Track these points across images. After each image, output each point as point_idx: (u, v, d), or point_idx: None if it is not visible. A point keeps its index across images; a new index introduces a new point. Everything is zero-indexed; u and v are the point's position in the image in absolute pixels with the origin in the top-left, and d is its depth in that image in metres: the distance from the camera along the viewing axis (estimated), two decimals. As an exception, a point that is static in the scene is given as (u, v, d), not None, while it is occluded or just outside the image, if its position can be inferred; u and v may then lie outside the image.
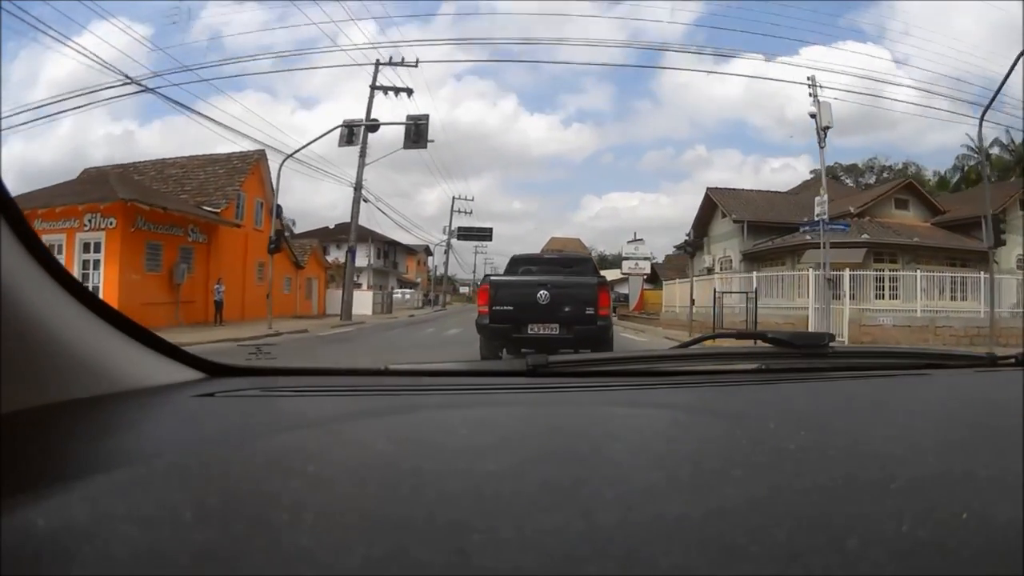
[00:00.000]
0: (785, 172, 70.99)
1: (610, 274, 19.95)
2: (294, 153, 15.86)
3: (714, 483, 0.43)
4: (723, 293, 14.16)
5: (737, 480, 0.43)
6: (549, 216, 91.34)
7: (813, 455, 0.51)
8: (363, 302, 24.62)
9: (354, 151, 19.85)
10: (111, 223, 13.46)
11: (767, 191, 26.12)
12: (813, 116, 13.19)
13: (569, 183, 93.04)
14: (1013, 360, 1.05)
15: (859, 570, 0.32)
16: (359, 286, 29.95)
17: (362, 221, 22.12)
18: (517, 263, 8.06)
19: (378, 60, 20.38)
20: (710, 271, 21.82)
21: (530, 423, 0.65)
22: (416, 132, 18.32)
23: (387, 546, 0.33)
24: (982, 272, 13.61)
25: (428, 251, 48.87)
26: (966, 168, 32.25)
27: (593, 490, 0.42)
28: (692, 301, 14.75)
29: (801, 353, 1.04)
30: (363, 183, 20.55)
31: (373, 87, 20.15)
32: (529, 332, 6.45)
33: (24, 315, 0.57)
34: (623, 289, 26.75)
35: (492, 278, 7.22)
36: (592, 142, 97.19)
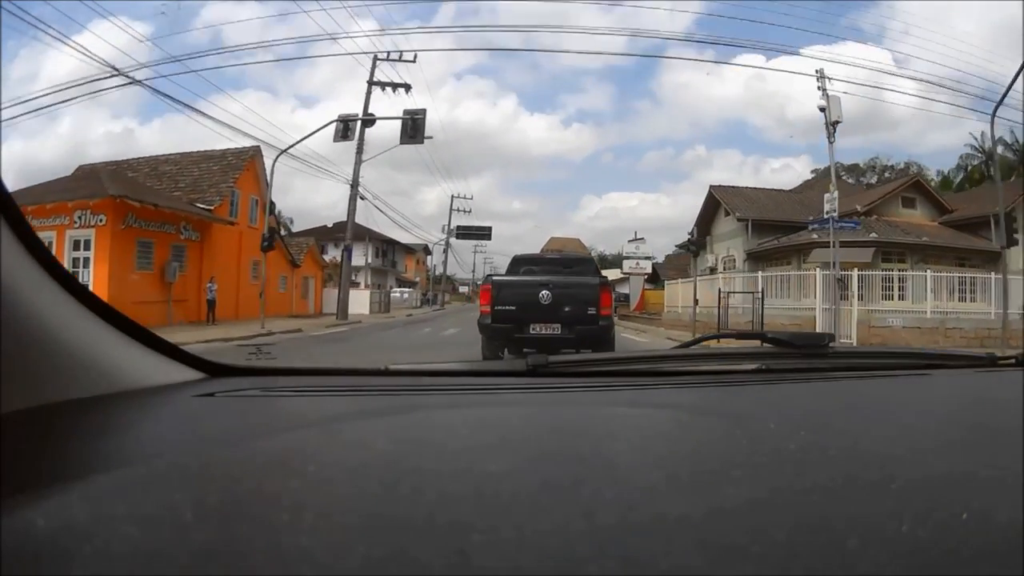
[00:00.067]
0: (785, 172, 71.57)
1: (610, 274, 19.93)
2: (288, 148, 15.83)
3: (714, 483, 0.44)
4: (728, 293, 14.14)
5: (737, 480, 0.44)
6: (549, 216, 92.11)
7: (813, 455, 0.52)
8: (360, 301, 24.60)
9: (353, 149, 19.88)
10: (101, 220, 13.44)
11: (771, 189, 26.00)
12: (822, 110, 13.04)
13: (569, 183, 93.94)
14: (1013, 360, 1.07)
15: (859, 570, 0.32)
16: (356, 285, 29.95)
17: (361, 220, 22.14)
18: (519, 263, 8.14)
19: (375, 55, 20.38)
20: (713, 270, 21.73)
21: (530, 423, 0.66)
22: (413, 126, 18.22)
23: (387, 546, 0.33)
24: (993, 272, 13.56)
25: (427, 250, 48.95)
26: (970, 167, 32.35)
27: (593, 490, 0.42)
28: (696, 301, 14.71)
29: (801, 353, 1.05)
30: (361, 181, 20.53)
31: (371, 82, 20.11)
32: (531, 332, 6.52)
33: (24, 315, 0.58)
34: (623, 289, 26.77)
35: (494, 278, 7.28)
36: (592, 142, 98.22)
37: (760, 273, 15.52)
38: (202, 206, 16.87)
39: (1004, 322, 11.45)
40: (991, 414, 0.75)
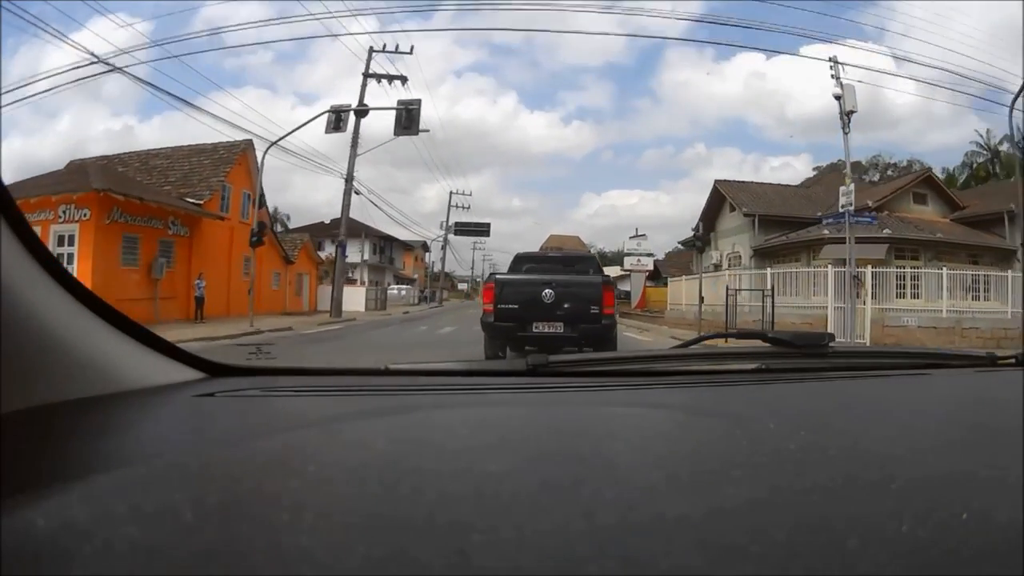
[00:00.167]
0: (785, 171, 71.79)
1: (610, 271, 19.93)
2: (279, 140, 15.80)
3: (714, 483, 0.45)
4: (736, 291, 14.07)
5: (737, 480, 0.45)
6: (548, 213, 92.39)
7: (813, 455, 0.53)
8: (356, 298, 24.57)
9: (348, 143, 19.82)
10: (85, 215, 13.35)
11: (778, 184, 25.79)
12: (838, 98, 12.76)
13: (569, 180, 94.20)
14: (1013, 360, 1.08)
15: (859, 570, 0.33)
16: (353, 282, 29.93)
17: (360, 217, 22.08)
18: (521, 261, 8.27)
19: (371, 47, 20.30)
20: (717, 267, 21.64)
21: (530, 423, 0.67)
22: (407, 117, 18.12)
23: (387, 546, 0.34)
24: (1010, 271, 13.49)
25: (425, 247, 48.87)
26: (975, 165, 32.38)
27: (593, 490, 0.43)
28: (701, 299, 14.65)
29: (801, 353, 1.07)
30: (360, 179, 20.51)
31: (366, 74, 20.03)
32: (534, 331, 6.61)
33: (24, 315, 0.59)
34: (624, 286, 26.73)
35: (498, 277, 7.34)
36: (592, 139, 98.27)
37: (769, 270, 15.41)
38: (192, 201, 16.78)
39: (1024, 320, 11.37)
40: (991, 414, 0.76)
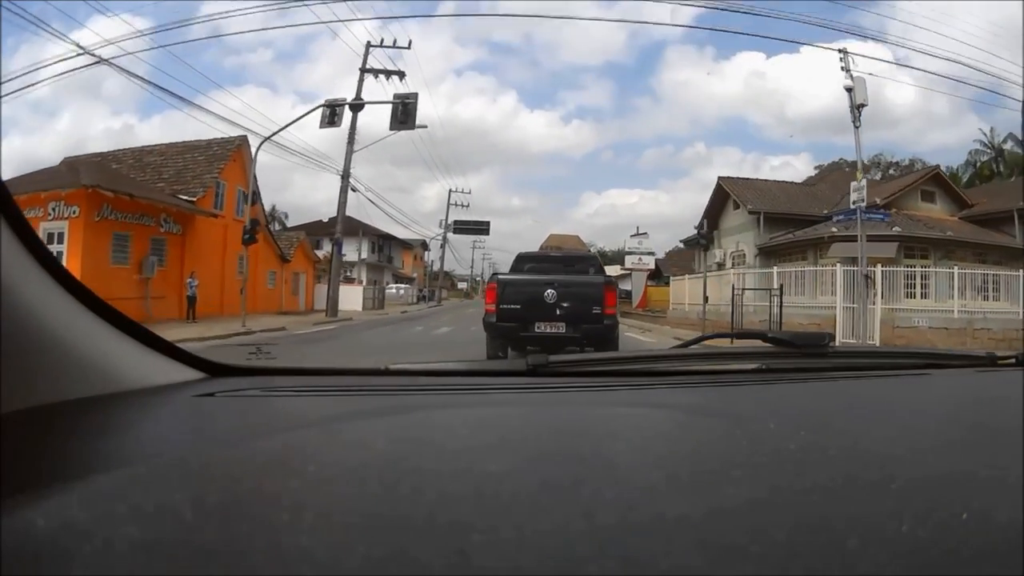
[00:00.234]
0: (785, 170, 72.32)
1: (610, 270, 19.89)
2: (273, 135, 15.81)
3: (714, 483, 0.46)
4: (743, 290, 14.01)
5: (737, 480, 0.45)
6: (548, 212, 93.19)
7: (813, 455, 0.54)
8: (353, 297, 24.55)
9: (344, 140, 19.79)
10: (74, 212, 13.29)
11: (783, 181, 25.61)
12: (849, 91, 12.50)
13: (568, 180, 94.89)
14: (1013, 360, 1.09)
15: (859, 570, 0.33)
16: (352, 281, 29.91)
17: (359, 215, 22.02)
18: (523, 261, 8.34)
19: (369, 42, 20.27)
20: (720, 266, 21.54)
21: (530, 423, 0.68)
22: (404, 111, 18.03)
23: (387, 546, 0.35)
24: (1021, 270, 13.36)
25: (425, 246, 48.92)
26: (979, 164, 32.42)
27: (593, 490, 0.44)
28: (705, 299, 14.62)
29: (801, 353, 1.08)
30: (360, 178, 20.51)
31: (363, 70, 19.99)
32: (536, 331, 6.69)
33: (24, 315, 0.59)
34: (625, 285, 26.69)
35: (500, 277, 7.41)
36: (592, 139, 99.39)
37: (775, 269, 15.32)
38: (185, 198, 16.72)
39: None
40: (991, 414, 0.77)
